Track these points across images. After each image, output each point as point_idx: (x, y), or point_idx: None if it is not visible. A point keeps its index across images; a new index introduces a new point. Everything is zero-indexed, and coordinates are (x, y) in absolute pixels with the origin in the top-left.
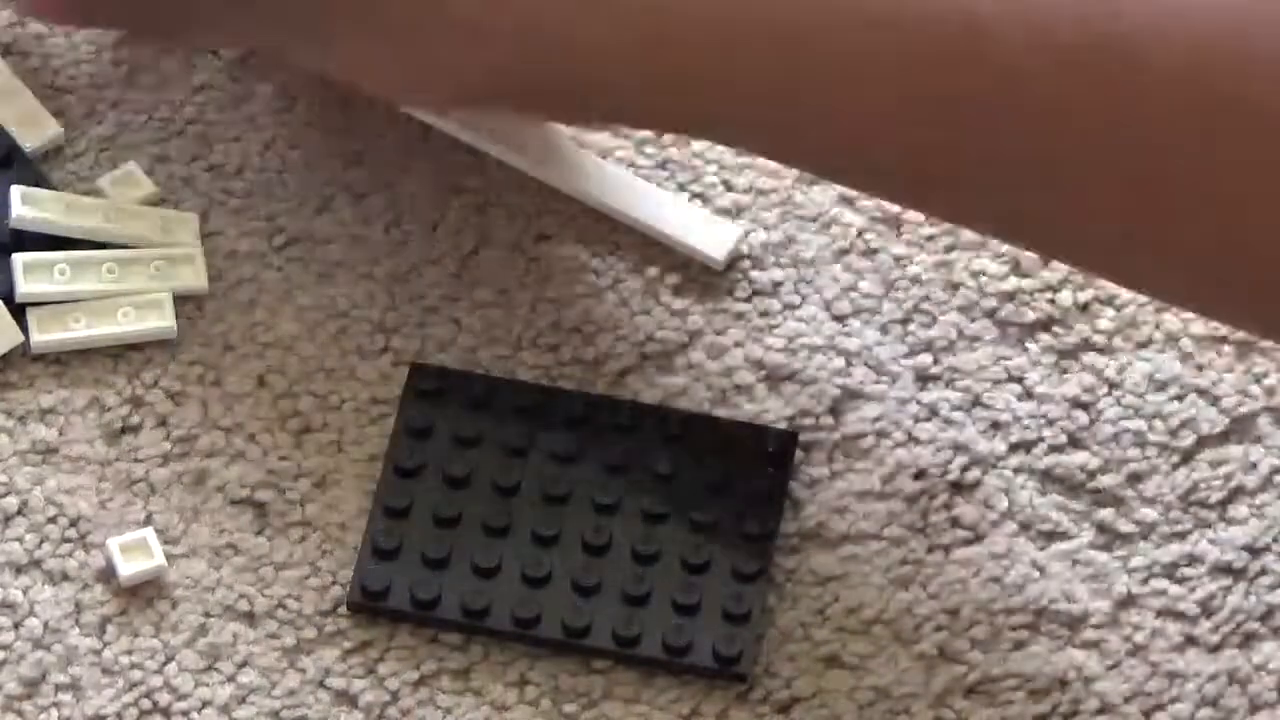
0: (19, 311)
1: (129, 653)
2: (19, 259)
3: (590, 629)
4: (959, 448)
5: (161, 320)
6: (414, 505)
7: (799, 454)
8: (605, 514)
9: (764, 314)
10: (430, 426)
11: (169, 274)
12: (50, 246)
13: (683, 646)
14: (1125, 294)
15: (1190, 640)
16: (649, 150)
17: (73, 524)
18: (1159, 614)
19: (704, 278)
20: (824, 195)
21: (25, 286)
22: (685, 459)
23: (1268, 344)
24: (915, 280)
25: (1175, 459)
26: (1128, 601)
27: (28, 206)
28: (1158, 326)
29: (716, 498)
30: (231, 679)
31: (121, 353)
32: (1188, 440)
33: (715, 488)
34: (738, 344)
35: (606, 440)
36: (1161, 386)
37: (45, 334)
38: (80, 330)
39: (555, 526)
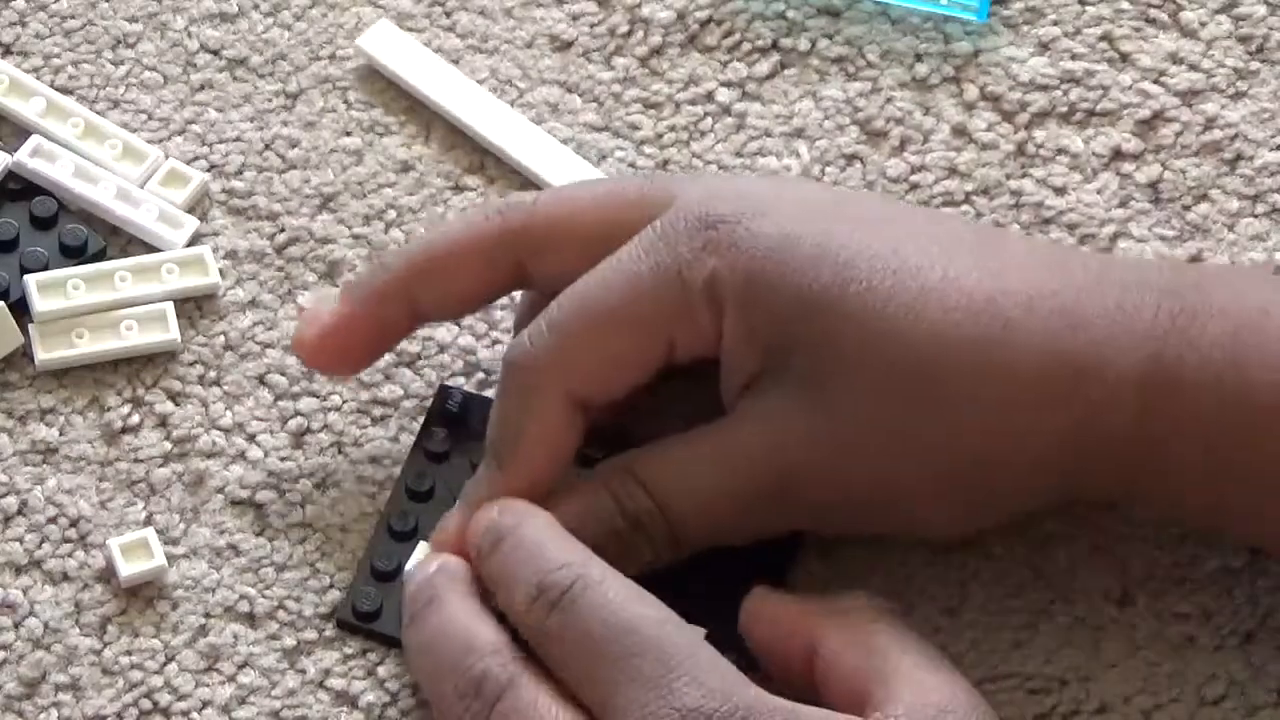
0: (18, 310)
1: (129, 653)
2: (32, 279)
3: None
4: None
5: (165, 333)
6: (418, 529)
7: None
8: None
9: None
10: (448, 451)
11: (181, 277)
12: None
13: None
14: None
15: (1190, 640)
16: (649, 150)
17: (73, 524)
18: (1159, 614)
19: None
20: None
21: (41, 305)
22: None
23: None
24: None
25: None
26: (1128, 601)
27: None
28: None
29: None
30: (232, 679)
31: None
32: None
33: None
34: None
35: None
36: None
37: (50, 352)
38: (84, 346)
39: None
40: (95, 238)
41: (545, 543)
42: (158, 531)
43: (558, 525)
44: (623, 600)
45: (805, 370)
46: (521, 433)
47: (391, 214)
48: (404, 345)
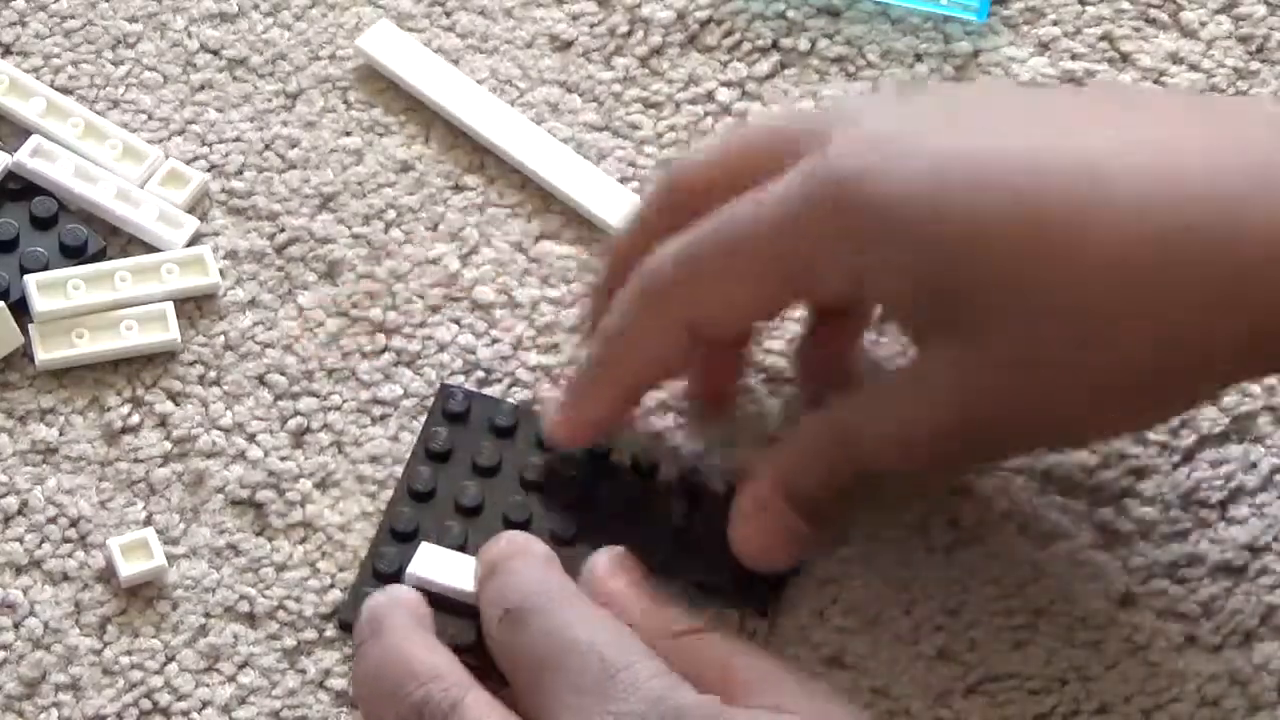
0: (18, 309)
1: (129, 653)
2: (31, 279)
3: None
4: None
5: (165, 333)
6: (420, 530)
7: None
8: None
9: None
10: (450, 451)
11: (181, 276)
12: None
13: None
14: None
15: (1190, 640)
16: (649, 150)
17: (73, 524)
18: (1159, 614)
19: None
20: None
21: (41, 305)
22: (700, 509)
23: None
24: None
25: (1176, 458)
26: (1128, 601)
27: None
28: None
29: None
30: (232, 679)
31: None
32: (1188, 440)
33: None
34: None
35: (623, 485)
36: None
37: (50, 352)
38: (84, 346)
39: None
40: (95, 238)
41: (527, 571)
42: (158, 531)
43: (552, 558)
44: (574, 621)
45: (962, 317)
46: (635, 347)
47: (391, 214)
48: (404, 344)
